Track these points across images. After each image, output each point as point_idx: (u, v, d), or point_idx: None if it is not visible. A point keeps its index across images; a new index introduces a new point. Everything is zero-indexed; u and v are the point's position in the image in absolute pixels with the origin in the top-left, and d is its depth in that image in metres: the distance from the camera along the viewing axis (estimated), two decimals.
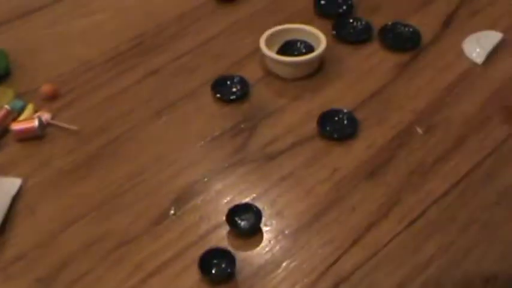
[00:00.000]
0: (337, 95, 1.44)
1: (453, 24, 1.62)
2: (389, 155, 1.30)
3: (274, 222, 1.19)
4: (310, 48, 1.52)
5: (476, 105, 1.40)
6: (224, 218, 1.18)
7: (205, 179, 1.27)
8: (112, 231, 1.20)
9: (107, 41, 1.63)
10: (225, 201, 1.23)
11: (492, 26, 1.60)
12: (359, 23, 1.62)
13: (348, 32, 1.61)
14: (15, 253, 1.18)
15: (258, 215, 1.17)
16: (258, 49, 1.51)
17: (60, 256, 1.17)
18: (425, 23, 1.62)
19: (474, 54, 1.52)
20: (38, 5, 1.75)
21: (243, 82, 1.47)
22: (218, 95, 1.44)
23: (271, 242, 1.16)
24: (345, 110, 1.38)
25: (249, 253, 1.14)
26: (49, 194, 1.28)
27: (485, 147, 1.30)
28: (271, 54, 1.48)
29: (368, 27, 1.61)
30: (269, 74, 1.50)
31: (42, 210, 1.25)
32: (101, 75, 1.54)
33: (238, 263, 1.11)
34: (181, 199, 1.24)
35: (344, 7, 1.68)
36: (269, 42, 1.50)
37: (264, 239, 1.16)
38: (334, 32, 1.59)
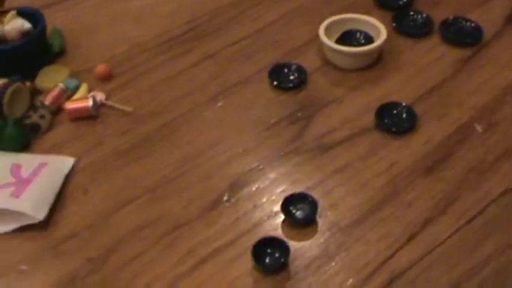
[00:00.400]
0: (396, 87, 1.42)
1: None
2: (447, 151, 1.27)
3: (329, 213, 1.17)
4: (369, 39, 1.50)
5: None
6: (278, 207, 1.16)
7: (261, 167, 1.26)
8: (165, 214, 1.18)
9: (162, 23, 1.62)
10: (280, 190, 1.21)
11: None
12: (419, 16, 1.59)
13: (408, 24, 1.58)
14: (67, 232, 1.17)
15: (313, 205, 1.15)
16: (316, 37, 1.49)
17: (111, 237, 1.16)
18: (487, 18, 1.58)
19: None
20: None
21: (300, 70, 1.44)
22: (275, 83, 1.42)
23: (326, 233, 1.14)
24: (404, 104, 1.35)
25: (302, 244, 1.12)
26: (102, 175, 1.27)
27: None
28: (331, 43, 1.45)
29: (429, 21, 1.58)
30: (327, 63, 1.48)
31: (95, 190, 1.24)
32: (156, 57, 1.53)
33: (291, 254, 1.09)
34: (236, 186, 1.22)
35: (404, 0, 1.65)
36: (328, 31, 1.47)
37: (319, 230, 1.14)
38: (394, 24, 1.57)
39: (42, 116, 1.36)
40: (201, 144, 1.30)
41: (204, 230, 1.15)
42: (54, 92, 1.39)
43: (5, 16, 1.42)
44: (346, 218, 1.16)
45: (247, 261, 1.09)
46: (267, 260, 1.09)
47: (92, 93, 1.41)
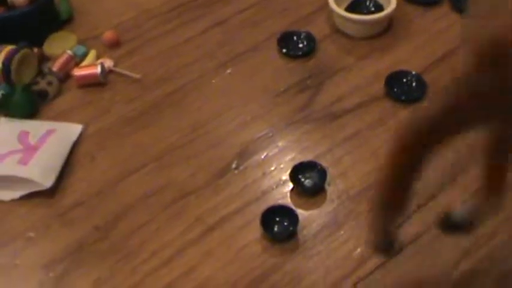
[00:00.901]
0: (406, 56, 1.40)
1: None
2: None
3: (338, 182, 1.16)
4: (379, 7, 1.48)
5: None
6: (287, 175, 1.16)
7: (269, 135, 1.25)
8: (172, 182, 1.18)
9: None
10: (288, 158, 1.20)
11: None
12: None
13: None
14: (74, 199, 1.17)
15: (322, 173, 1.15)
16: (325, 5, 1.47)
17: (119, 205, 1.15)
18: None
19: None
20: None
21: (309, 38, 1.43)
22: (284, 50, 1.41)
23: (335, 202, 1.13)
24: (414, 72, 1.34)
25: (310, 212, 1.12)
26: (109, 142, 1.26)
27: None
28: (340, 11, 1.43)
29: None
30: (336, 31, 1.47)
31: (102, 157, 1.24)
32: (164, 24, 1.52)
33: (299, 222, 1.08)
34: (244, 153, 1.22)
35: None
36: None
37: (327, 199, 1.14)
38: None
39: (50, 83, 1.35)
40: (210, 112, 1.30)
41: (212, 197, 1.15)
42: (62, 59, 1.38)
43: None
44: (355, 186, 1.15)
45: (256, 230, 1.09)
46: (276, 228, 1.09)
47: (100, 60, 1.40)
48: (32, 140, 1.22)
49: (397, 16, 1.48)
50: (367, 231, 1.08)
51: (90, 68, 1.36)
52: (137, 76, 1.37)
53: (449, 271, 1.02)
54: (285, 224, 1.09)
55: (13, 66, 1.31)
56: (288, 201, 1.13)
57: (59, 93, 1.36)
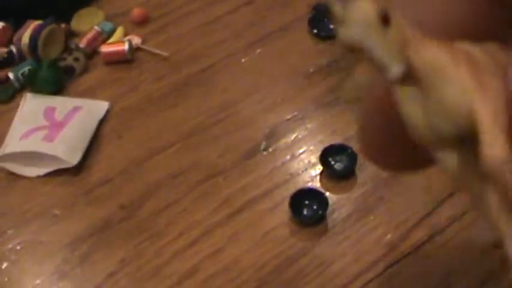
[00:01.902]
0: None
1: None
2: None
3: (368, 166, 1.13)
4: None
5: None
6: (317, 158, 1.14)
7: (299, 116, 1.23)
8: (199, 163, 1.16)
9: None
10: (318, 140, 1.18)
11: None
12: None
13: None
14: (100, 178, 1.16)
15: (353, 157, 1.12)
16: None
17: (145, 184, 1.14)
18: None
19: None
20: None
21: None
22: (315, 31, 1.38)
23: (365, 187, 1.11)
24: None
25: (340, 196, 1.10)
26: (136, 120, 1.25)
27: None
28: None
29: None
30: None
31: (129, 136, 1.22)
32: (193, 2, 1.49)
33: (329, 206, 1.07)
34: (273, 135, 1.20)
35: None
36: None
37: (358, 183, 1.11)
38: None
39: (76, 59, 1.33)
40: (238, 92, 1.28)
41: (240, 179, 1.13)
42: (90, 35, 1.37)
43: None
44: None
45: (284, 212, 1.07)
46: (305, 212, 1.07)
47: (127, 37, 1.39)
48: (58, 117, 1.21)
49: None
50: (397, 218, 1.06)
51: (117, 44, 1.35)
52: (165, 54, 1.35)
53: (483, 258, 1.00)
54: (314, 207, 1.07)
55: (40, 42, 1.30)
56: (317, 184, 1.12)
57: (85, 69, 1.34)
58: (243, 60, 1.34)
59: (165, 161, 1.17)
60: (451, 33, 0.39)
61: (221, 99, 1.27)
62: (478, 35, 0.40)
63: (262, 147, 1.18)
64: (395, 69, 0.36)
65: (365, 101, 0.48)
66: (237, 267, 1.02)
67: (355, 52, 0.37)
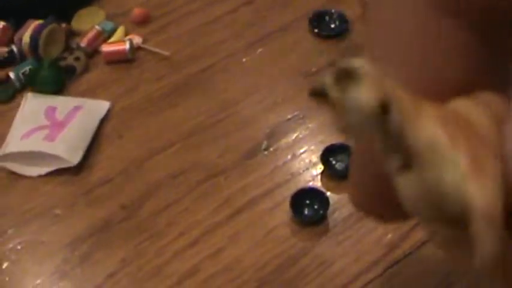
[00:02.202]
0: None
1: None
2: None
3: None
4: None
5: None
6: (318, 157, 1.13)
7: (300, 116, 1.22)
8: (200, 162, 1.16)
9: None
10: (319, 140, 1.18)
11: None
12: None
13: None
14: (101, 177, 1.16)
15: None
16: None
17: (145, 184, 1.14)
18: None
19: None
20: None
21: (342, 18, 1.40)
22: (316, 30, 1.38)
23: None
24: None
25: (341, 196, 1.10)
26: (137, 120, 1.25)
27: None
28: None
29: None
30: None
31: (129, 135, 1.22)
32: (194, 2, 1.49)
33: (330, 206, 1.06)
34: (274, 135, 1.20)
35: None
36: None
37: None
38: None
39: (77, 58, 1.33)
40: (239, 92, 1.27)
41: (240, 179, 1.13)
42: (90, 34, 1.37)
43: None
44: None
45: (285, 212, 1.07)
46: (306, 212, 1.07)
47: (128, 37, 1.39)
48: (59, 116, 1.21)
49: None
50: None
51: (118, 44, 1.35)
52: (166, 54, 1.35)
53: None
54: (315, 207, 1.07)
55: (41, 41, 1.29)
56: (318, 184, 1.11)
57: (86, 69, 1.34)
58: (243, 60, 1.34)
59: (165, 160, 1.17)
60: (447, 90, 0.39)
61: (222, 98, 1.26)
62: (474, 87, 0.39)
63: (263, 147, 1.18)
64: (393, 161, 0.36)
65: (357, 152, 0.49)
66: (237, 267, 1.02)
67: (352, 135, 0.37)
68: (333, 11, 1.42)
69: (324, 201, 1.06)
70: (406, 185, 0.37)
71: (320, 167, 1.13)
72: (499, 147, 0.36)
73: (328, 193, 1.09)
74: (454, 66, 0.40)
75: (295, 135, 1.19)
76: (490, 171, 0.35)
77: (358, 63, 0.36)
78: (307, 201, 1.07)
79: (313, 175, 1.13)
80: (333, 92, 0.35)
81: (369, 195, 0.46)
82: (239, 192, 1.11)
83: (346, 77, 0.35)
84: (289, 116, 1.22)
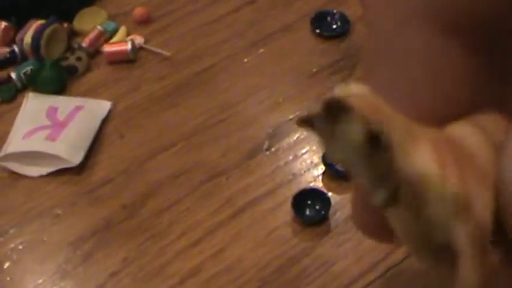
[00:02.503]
0: None
1: None
2: None
3: None
4: None
5: None
6: (320, 157, 1.14)
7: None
8: (201, 162, 1.16)
9: None
10: None
11: None
12: None
13: None
14: (102, 177, 1.16)
15: None
16: None
17: (147, 184, 1.14)
18: None
19: None
20: None
21: (343, 19, 1.40)
22: (317, 31, 1.38)
23: None
24: None
25: (343, 196, 1.10)
26: (138, 120, 1.25)
27: None
28: None
29: None
30: None
31: (131, 135, 1.22)
32: (196, 2, 1.49)
33: (331, 206, 1.06)
34: (276, 135, 1.20)
35: None
36: None
37: None
38: None
39: (79, 58, 1.33)
40: (240, 92, 1.27)
41: (242, 179, 1.13)
42: (92, 34, 1.37)
43: None
44: None
45: (286, 212, 1.07)
46: (307, 212, 1.07)
47: (130, 37, 1.39)
48: (61, 116, 1.21)
49: None
50: None
51: (120, 44, 1.35)
52: (167, 54, 1.35)
53: None
54: (317, 207, 1.07)
55: (42, 41, 1.29)
56: (319, 184, 1.11)
57: (88, 69, 1.34)
58: (245, 60, 1.34)
59: (167, 160, 1.17)
60: (455, 115, 0.39)
61: (223, 98, 1.26)
62: (478, 109, 0.38)
63: (264, 147, 1.18)
64: (380, 196, 0.35)
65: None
66: (239, 267, 1.02)
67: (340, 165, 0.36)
68: (334, 11, 1.42)
69: (326, 202, 1.06)
70: (393, 218, 0.36)
71: (322, 168, 1.13)
72: (493, 174, 0.35)
73: (330, 194, 1.09)
74: (464, 92, 0.39)
75: (296, 135, 1.19)
76: (480, 207, 0.35)
77: (349, 91, 0.35)
78: (309, 202, 1.07)
79: (314, 175, 1.13)
80: (321, 123, 0.35)
81: (368, 221, 0.46)
82: (241, 193, 1.11)
83: (336, 106, 0.34)
84: (290, 116, 1.22)
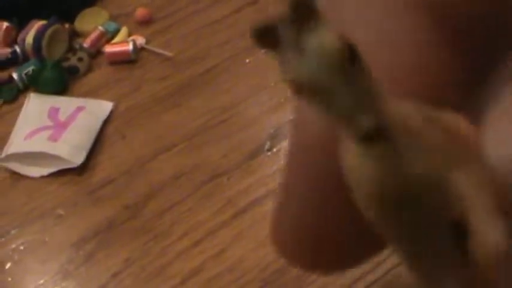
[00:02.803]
0: None
1: None
2: None
3: None
4: None
5: None
6: None
7: None
8: (203, 163, 1.16)
9: None
10: None
11: None
12: None
13: None
14: (104, 178, 1.16)
15: None
16: None
17: (149, 184, 1.14)
18: None
19: None
20: None
21: None
22: None
23: None
24: None
25: None
26: (140, 120, 1.25)
27: None
28: None
29: None
30: None
31: (133, 136, 1.22)
32: (198, 2, 1.49)
33: None
34: (277, 135, 1.19)
35: None
36: None
37: None
38: None
39: (80, 59, 1.33)
40: (242, 92, 1.27)
41: (244, 179, 1.13)
42: (94, 35, 1.37)
43: None
44: None
45: None
46: None
47: (131, 37, 1.39)
48: (62, 117, 1.21)
49: None
50: None
51: (121, 45, 1.35)
52: (169, 54, 1.35)
53: None
54: None
55: (44, 42, 1.29)
56: None
57: (89, 69, 1.34)
58: (247, 60, 1.34)
59: (169, 161, 1.17)
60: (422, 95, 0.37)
61: (225, 99, 1.26)
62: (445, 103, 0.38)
63: (266, 147, 1.17)
64: (366, 122, 0.27)
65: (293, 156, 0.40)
66: (241, 267, 1.02)
67: (307, 93, 0.28)
68: None
69: None
70: (367, 163, 0.29)
71: None
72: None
73: None
74: (438, 77, 0.38)
75: None
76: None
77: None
78: None
79: None
80: (287, 32, 0.27)
81: (289, 239, 0.41)
82: (242, 193, 1.11)
83: (304, 17, 0.27)
84: (291, 117, 1.22)
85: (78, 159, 1.15)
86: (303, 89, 0.27)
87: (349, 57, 0.27)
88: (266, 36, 0.28)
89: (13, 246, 1.07)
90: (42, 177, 1.15)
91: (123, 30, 1.41)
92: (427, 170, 0.30)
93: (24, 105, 1.26)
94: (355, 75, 0.27)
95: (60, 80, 1.30)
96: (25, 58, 1.33)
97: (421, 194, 0.30)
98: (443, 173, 0.30)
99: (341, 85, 0.27)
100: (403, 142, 0.29)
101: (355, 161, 0.29)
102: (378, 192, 0.30)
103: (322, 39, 0.26)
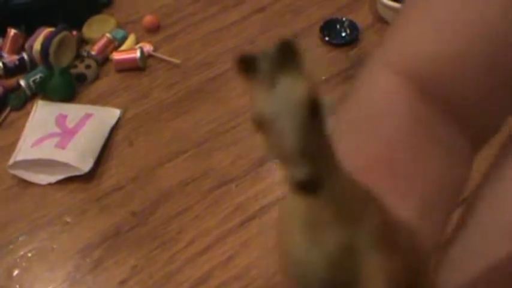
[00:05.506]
0: None
1: None
2: None
3: None
4: None
5: None
6: None
7: None
8: (212, 170, 1.16)
9: None
10: None
11: None
12: None
13: None
14: (112, 185, 1.15)
15: None
16: None
17: (156, 191, 1.14)
18: None
19: None
20: None
21: (352, 27, 1.40)
22: (327, 38, 1.37)
23: None
24: None
25: None
26: (148, 127, 1.24)
27: None
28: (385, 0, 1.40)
29: None
30: (380, 20, 1.43)
31: (140, 143, 1.22)
32: (205, 9, 1.49)
33: None
34: None
35: None
36: None
37: None
38: None
39: (88, 66, 1.33)
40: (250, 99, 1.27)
41: (252, 186, 1.12)
42: (101, 42, 1.37)
43: None
44: None
45: None
46: None
47: (139, 45, 1.39)
48: (70, 124, 1.21)
49: None
50: None
51: (129, 52, 1.35)
52: (177, 61, 1.35)
53: None
54: None
55: (52, 49, 1.29)
56: None
57: (97, 77, 1.34)
58: None
59: (176, 168, 1.17)
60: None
61: (233, 106, 1.26)
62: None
63: None
64: (302, 172, 0.28)
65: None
66: (248, 275, 1.01)
67: (263, 128, 0.29)
68: (343, 19, 1.41)
69: None
70: (300, 210, 0.30)
71: None
72: None
73: None
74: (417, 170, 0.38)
75: None
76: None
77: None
78: None
79: None
80: (266, 66, 0.29)
81: None
82: (250, 200, 1.10)
83: (291, 54, 0.29)
84: None
85: (85, 166, 1.15)
86: (261, 123, 0.29)
87: (312, 110, 0.28)
88: (247, 64, 0.29)
89: (21, 253, 1.07)
90: (50, 184, 1.15)
91: (131, 38, 1.41)
92: (339, 248, 0.30)
93: (32, 113, 1.26)
94: (312, 128, 0.28)
95: (68, 87, 1.30)
96: (33, 65, 1.34)
97: (327, 271, 0.31)
98: (356, 255, 0.31)
99: (294, 132, 0.28)
100: (332, 208, 0.30)
101: (286, 206, 0.31)
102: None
103: (293, 84, 0.28)
